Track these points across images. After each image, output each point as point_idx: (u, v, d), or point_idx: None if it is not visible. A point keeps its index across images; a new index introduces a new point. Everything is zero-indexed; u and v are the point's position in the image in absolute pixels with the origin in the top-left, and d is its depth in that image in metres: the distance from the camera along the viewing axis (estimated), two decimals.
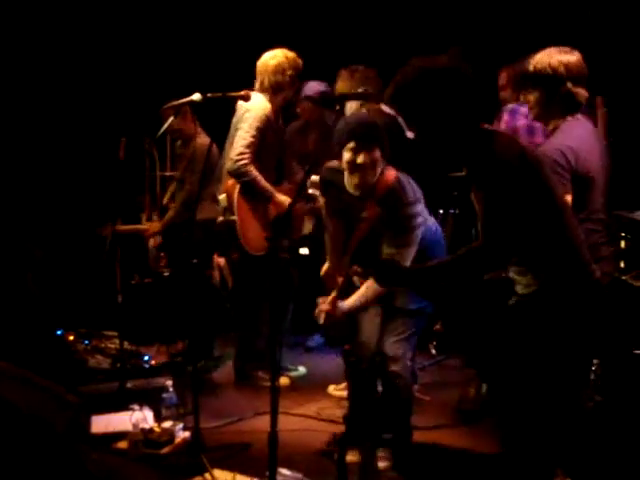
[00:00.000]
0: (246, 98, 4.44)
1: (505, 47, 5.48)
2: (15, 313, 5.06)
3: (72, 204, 6.31)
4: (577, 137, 3.38)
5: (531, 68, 3.39)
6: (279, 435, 3.23)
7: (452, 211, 5.62)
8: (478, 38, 5.75)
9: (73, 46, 6.25)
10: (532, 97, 3.43)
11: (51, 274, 5.71)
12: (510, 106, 4.62)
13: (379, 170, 3.72)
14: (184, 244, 4.86)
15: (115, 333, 5.24)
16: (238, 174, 4.77)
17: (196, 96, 4.18)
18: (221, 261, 5.65)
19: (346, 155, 3.70)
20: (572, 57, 3.37)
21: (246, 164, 4.75)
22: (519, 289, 2.91)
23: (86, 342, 5.35)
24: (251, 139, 4.77)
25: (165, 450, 3.98)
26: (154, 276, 5.52)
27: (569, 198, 3.27)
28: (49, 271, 5.69)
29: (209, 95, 4.19)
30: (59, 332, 5.35)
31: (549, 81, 3.34)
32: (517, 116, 4.46)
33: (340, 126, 3.84)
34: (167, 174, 5.46)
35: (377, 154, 3.68)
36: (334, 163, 3.92)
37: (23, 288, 5.35)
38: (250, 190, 4.82)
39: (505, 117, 4.55)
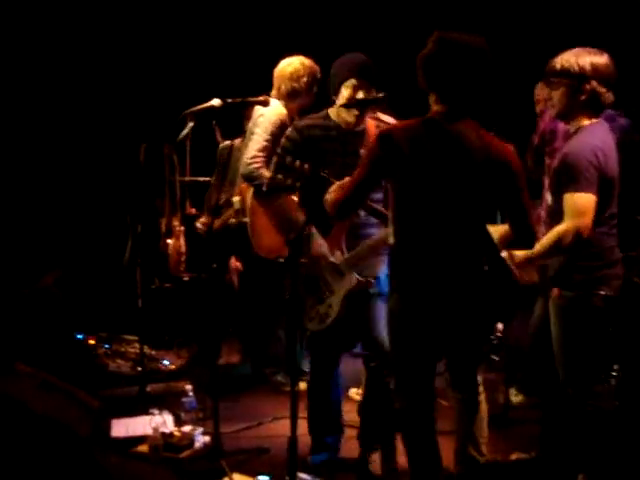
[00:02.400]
0: (265, 103, 4.46)
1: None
2: (37, 317, 5.09)
3: (93, 209, 6.34)
4: (603, 139, 3.38)
5: (557, 66, 3.39)
6: (298, 440, 3.24)
7: None
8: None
9: (93, 52, 6.28)
10: (556, 94, 3.42)
11: (72, 278, 5.74)
12: None
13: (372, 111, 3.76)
14: (206, 248, 4.88)
15: (135, 337, 5.26)
16: (251, 177, 4.78)
17: (215, 101, 4.21)
18: (238, 265, 5.67)
19: (345, 92, 3.74)
20: (600, 58, 3.37)
21: (258, 167, 4.75)
22: None
23: (107, 346, 5.38)
24: (265, 143, 4.79)
25: (185, 454, 3.99)
26: (174, 281, 5.54)
27: (594, 198, 3.27)
28: (70, 275, 5.72)
29: (229, 101, 4.21)
30: (80, 336, 5.38)
31: (574, 79, 3.33)
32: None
33: (338, 63, 3.83)
34: (187, 179, 5.48)
35: (374, 94, 3.70)
36: (302, 122, 3.93)
37: (45, 292, 5.38)
38: (263, 193, 4.84)
39: (546, 117, 4.51)
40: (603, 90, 3.36)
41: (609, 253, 3.41)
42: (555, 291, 3.43)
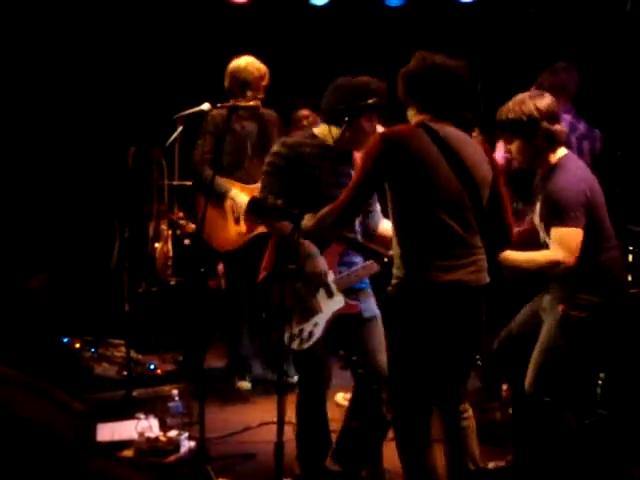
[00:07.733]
0: (256, 108, 4.46)
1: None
2: (22, 320, 5.06)
3: (80, 212, 6.32)
4: (582, 173, 3.46)
5: (504, 118, 3.46)
6: (285, 445, 3.22)
7: None
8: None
9: (83, 55, 6.26)
10: (514, 147, 3.51)
11: (58, 281, 5.72)
12: None
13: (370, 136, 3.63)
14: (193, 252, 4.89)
15: (122, 341, 5.24)
16: (191, 175, 5.06)
17: (205, 106, 4.21)
18: (220, 268, 5.67)
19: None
20: (543, 99, 3.45)
21: (195, 165, 4.99)
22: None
23: (92, 350, 5.35)
24: (200, 142, 5.01)
25: (170, 459, 3.99)
26: (161, 285, 5.53)
27: (580, 233, 3.32)
28: (56, 278, 5.70)
29: (219, 105, 4.21)
30: (65, 340, 5.36)
31: (526, 127, 3.40)
32: None
33: (334, 87, 3.60)
34: (175, 183, 5.47)
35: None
36: (291, 140, 3.74)
37: (30, 295, 5.36)
38: (207, 190, 4.87)
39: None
40: (556, 127, 3.43)
41: (622, 275, 3.46)
42: (561, 307, 3.46)
